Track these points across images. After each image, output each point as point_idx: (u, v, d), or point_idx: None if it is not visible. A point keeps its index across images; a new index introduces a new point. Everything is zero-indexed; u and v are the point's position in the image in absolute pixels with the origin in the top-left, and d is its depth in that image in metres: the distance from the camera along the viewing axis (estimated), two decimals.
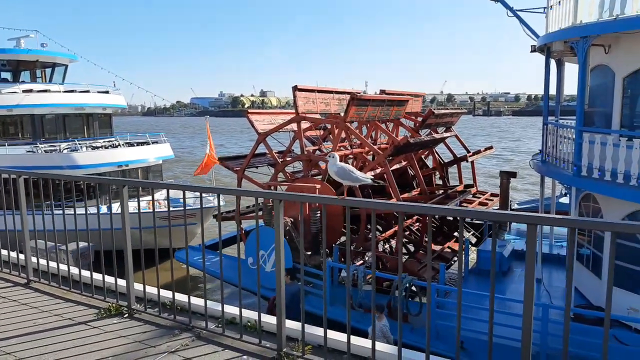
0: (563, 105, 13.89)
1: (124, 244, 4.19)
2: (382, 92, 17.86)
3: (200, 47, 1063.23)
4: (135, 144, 24.30)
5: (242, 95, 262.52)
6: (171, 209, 4.25)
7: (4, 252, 5.52)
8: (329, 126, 15.95)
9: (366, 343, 3.33)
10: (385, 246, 14.38)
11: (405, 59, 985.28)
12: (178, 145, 62.43)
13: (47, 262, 5.10)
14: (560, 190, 17.63)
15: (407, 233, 14.76)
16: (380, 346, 3.22)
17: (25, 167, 18.75)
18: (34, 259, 5.18)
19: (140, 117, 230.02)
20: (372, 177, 3.28)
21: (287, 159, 14.55)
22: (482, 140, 63.51)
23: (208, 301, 3.88)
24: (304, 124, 14.28)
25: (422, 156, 17.57)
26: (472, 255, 14.79)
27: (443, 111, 17.33)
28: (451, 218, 16.31)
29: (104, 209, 17.07)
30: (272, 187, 13.28)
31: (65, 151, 21.68)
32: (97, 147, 22.86)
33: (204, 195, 4.26)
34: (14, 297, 4.70)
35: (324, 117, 15.48)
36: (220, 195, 4.03)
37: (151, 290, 4.38)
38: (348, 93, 15.45)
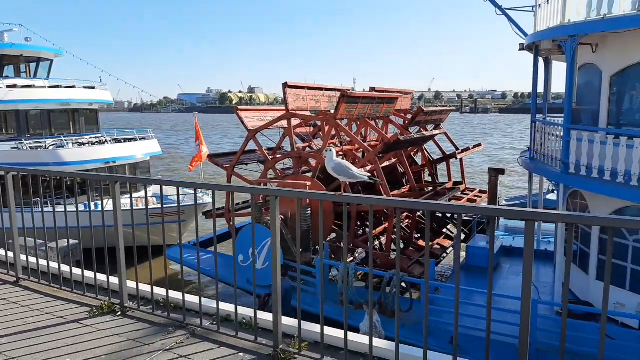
0: (550, 103, 14.04)
1: (116, 241, 4.14)
2: (372, 89, 17.89)
3: (188, 42, 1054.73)
4: (122, 140, 24.04)
5: (229, 92, 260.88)
6: (158, 206, 4.22)
7: None
8: (318, 123, 15.94)
9: (363, 339, 3.33)
10: (375, 243, 14.43)
11: (393, 56, 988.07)
12: (166, 141, 61.88)
13: (37, 260, 5.02)
14: (548, 187, 17.85)
15: (395, 230, 14.80)
16: (377, 342, 3.23)
17: (9, 164, 18.43)
18: (23, 257, 5.10)
19: (127, 113, 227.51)
20: (369, 174, 3.27)
21: (277, 156, 14.51)
22: (470, 139, 63.92)
23: (202, 298, 3.86)
24: (294, 121, 14.25)
25: (412, 153, 17.65)
26: (461, 251, 14.90)
27: (432, 109, 17.41)
28: (440, 214, 16.41)
29: (93, 206, 16.89)
30: (262, 184, 13.24)
31: (51, 148, 21.38)
32: (84, 144, 22.58)
33: (189, 192, 4.23)
34: (3, 296, 4.63)
35: (314, 114, 15.47)
36: (214, 192, 3.99)
37: (144, 287, 4.34)
38: (338, 90, 15.43)
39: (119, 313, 4.15)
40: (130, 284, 4.29)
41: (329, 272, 12.77)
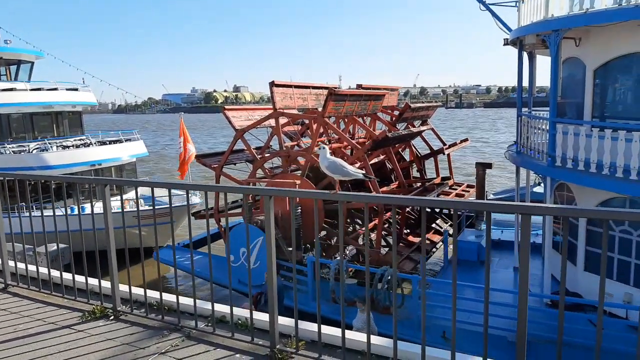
0: (534, 97, 14.19)
1: (107, 244, 4.08)
2: (359, 86, 17.91)
3: (171, 42, 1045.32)
4: (107, 142, 23.76)
5: (214, 91, 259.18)
6: (146, 208, 4.17)
7: None
8: (306, 121, 15.92)
9: (359, 336, 3.33)
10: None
11: (377, 52, 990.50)
12: (151, 142, 61.31)
13: (26, 265, 4.93)
14: (534, 180, 18.04)
15: (385, 226, 14.88)
16: (374, 339, 3.22)
17: None
18: (11, 263, 5.00)
19: (110, 114, 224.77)
20: (364, 172, 3.27)
21: (266, 155, 14.46)
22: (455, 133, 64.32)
23: (197, 300, 3.82)
24: (282, 120, 14.21)
25: (400, 150, 17.72)
26: (451, 246, 15.00)
27: (419, 105, 17.49)
28: (429, 209, 16.51)
29: (77, 209, 16.65)
30: (252, 184, 13.18)
31: (34, 151, 21.05)
32: (68, 147, 22.26)
33: (177, 193, 4.18)
34: None
35: (301, 113, 15.44)
36: (202, 193, 3.96)
37: (136, 290, 4.28)
38: (325, 88, 15.42)
39: (112, 317, 4.09)
40: (123, 287, 4.24)
41: (320, 270, 12.78)
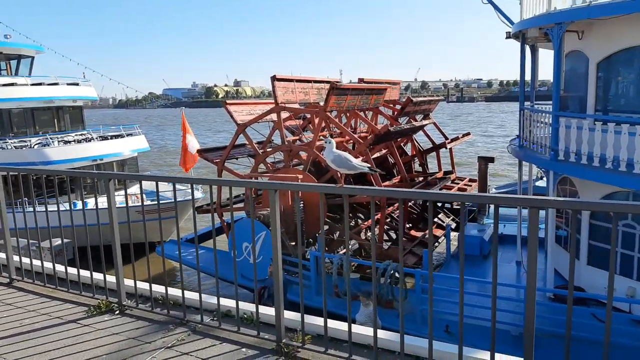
0: (537, 90, 14.13)
1: (112, 239, 4.08)
2: (361, 80, 17.85)
3: (171, 37, 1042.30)
4: (109, 137, 23.74)
5: (215, 85, 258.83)
6: (150, 203, 4.18)
7: None
8: (308, 115, 15.88)
9: (365, 330, 3.33)
10: (368, 234, 14.47)
11: (378, 46, 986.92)
12: (151, 137, 61.34)
13: (30, 260, 4.93)
14: (536, 174, 18.01)
15: (388, 220, 14.88)
16: (380, 333, 3.23)
17: None
18: (16, 258, 5.01)
19: (111, 109, 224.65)
20: (369, 165, 3.26)
21: (268, 149, 14.44)
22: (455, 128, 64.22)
23: (202, 295, 3.82)
24: (284, 114, 14.18)
25: (402, 144, 17.68)
26: (453, 240, 15.01)
27: (421, 99, 17.44)
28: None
29: (79, 204, 16.69)
30: (254, 178, 13.17)
31: (36, 146, 21.05)
32: (69, 142, 22.26)
33: (179, 187, 4.17)
34: None
35: (303, 107, 15.40)
36: (203, 187, 3.96)
37: (142, 285, 4.29)
38: (327, 82, 15.37)
39: (117, 312, 4.10)
40: (128, 281, 4.24)
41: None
